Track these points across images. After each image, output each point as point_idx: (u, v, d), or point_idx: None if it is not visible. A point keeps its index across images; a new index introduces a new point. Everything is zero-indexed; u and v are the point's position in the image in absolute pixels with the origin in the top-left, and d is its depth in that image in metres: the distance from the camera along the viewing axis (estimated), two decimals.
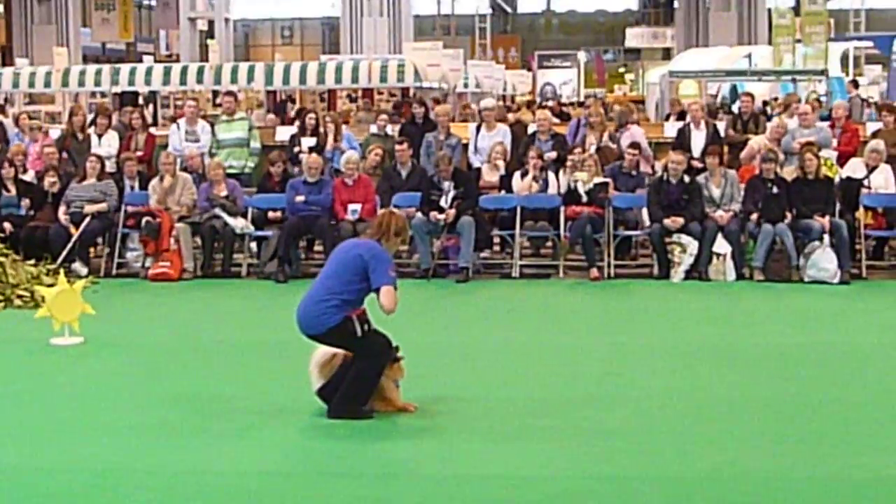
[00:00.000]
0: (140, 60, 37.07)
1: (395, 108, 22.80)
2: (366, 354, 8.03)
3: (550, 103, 35.52)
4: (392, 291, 7.99)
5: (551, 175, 14.91)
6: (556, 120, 19.83)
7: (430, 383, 8.69)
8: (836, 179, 14.64)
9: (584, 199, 14.39)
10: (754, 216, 13.98)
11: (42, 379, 9.53)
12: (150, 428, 7.97)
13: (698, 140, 15.80)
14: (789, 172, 14.53)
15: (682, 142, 15.81)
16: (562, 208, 14.49)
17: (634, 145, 15.29)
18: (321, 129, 16.55)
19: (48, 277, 12.93)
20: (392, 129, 17.21)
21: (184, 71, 22.90)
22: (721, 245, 13.88)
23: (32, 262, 13.52)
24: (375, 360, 8.05)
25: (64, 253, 14.20)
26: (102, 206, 14.73)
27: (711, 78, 30.20)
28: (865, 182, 14.45)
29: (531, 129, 16.97)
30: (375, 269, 8.01)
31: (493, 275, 14.64)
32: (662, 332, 11.28)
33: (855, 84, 28.93)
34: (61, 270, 12.23)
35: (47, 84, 22.97)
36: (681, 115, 22.13)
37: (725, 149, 15.72)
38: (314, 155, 14.96)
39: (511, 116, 21.49)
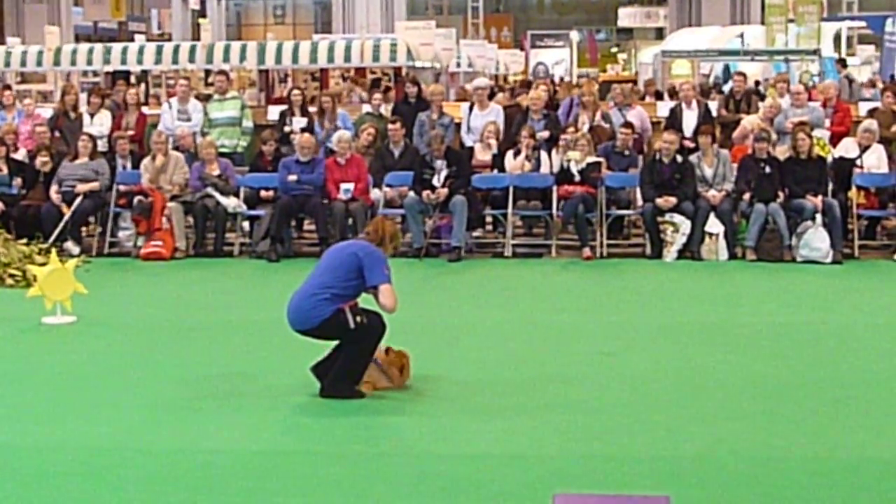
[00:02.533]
0: (132, 39, 36.88)
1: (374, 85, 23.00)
2: (359, 340, 8.06)
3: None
4: (391, 290, 8.04)
5: (544, 154, 14.90)
6: None
7: (421, 362, 8.68)
8: (829, 159, 14.65)
9: (577, 178, 14.39)
10: (747, 196, 13.99)
11: (34, 358, 9.53)
12: (142, 407, 7.98)
13: (690, 120, 15.79)
14: (782, 152, 14.54)
15: (673, 122, 15.80)
16: (554, 188, 14.49)
17: (628, 125, 15.28)
18: (312, 108, 16.53)
19: (40, 256, 12.89)
20: (385, 109, 17.17)
21: (176, 50, 22.79)
22: (713, 225, 13.90)
23: (24, 241, 13.50)
24: (368, 340, 8.07)
25: (56, 232, 14.19)
26: (94, 185, 14.71)
27: (704, 58, 30.16)
28: (858, 162, 14.45)
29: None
30: (371, 268, 8.05)
31: (485, 254, 14.65)
32: (654, 311, 11.30)
33: (843, 64, 28.88)
34: (53, 249, 12.21)
35: (39, 63, 22.86)
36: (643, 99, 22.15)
37: (718, 128, 15.73)
38: (306, 134, 14.95)
39: (502, 96, 21.41)
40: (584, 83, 21.10)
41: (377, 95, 17.49)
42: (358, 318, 8.03)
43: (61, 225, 14.30)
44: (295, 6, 63.87)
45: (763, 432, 7.33)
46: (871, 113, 16.08)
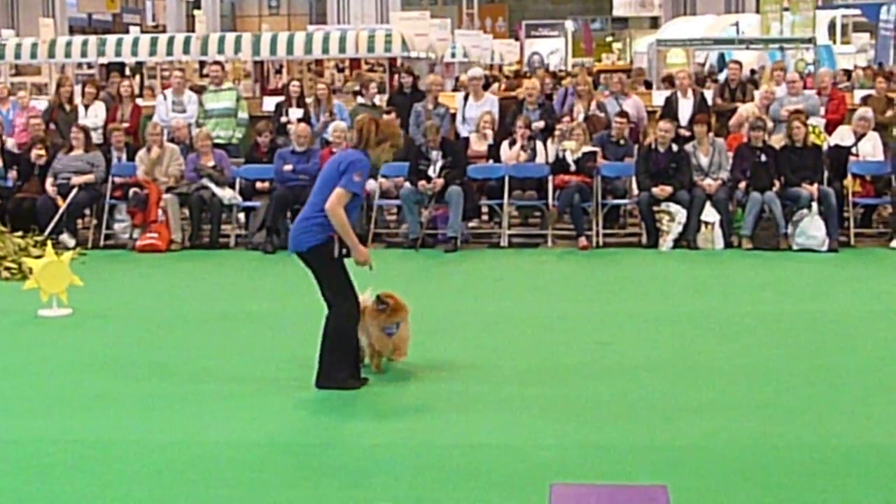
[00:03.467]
0: (126, 31, 36.80)
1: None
2: (335, 296, 7.96)
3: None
4: (341, 194, 7.82)
5: (539, 144, 14.89)
6: None
7: (418, 353, 8.69)
8: (824, 147, 14.65)
9: (573, 168, 14.39)
10: (742, 184, 13.99)
11: (30, 351, 9.52)
12: (138, 399, 7.98)
13: (685, 109, 15.78)
14: (777, 140, 14.53)
15: (669, 110, 15.79)
16: (550, 177, 14.49)
17: (623, 114, 15.28)
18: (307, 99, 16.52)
19: (36, 249, 12.90)
20: (380, 99, 17.15)
21: (170, 42, 22.72)
22: (709, 213, 13.90)
23: (20, 233, 13.52)
24: (344, 322, 8.01)
25: (51, 224, 14.19)
26: (90, 178, 14.69)
27: (699, 46, 30.08)
28: (853, 150, 14.46)
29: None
30: (345, 174, 7.87)
31: (481, 244, 14.65)
32: (651, 300, 11.29)
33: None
34: (49, 242, 12.19)
35: (33, 55, 22.79)
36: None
37: (713, 117, 15.72)
38: (302, 124, 14.94)
39: (496, 87, 21.42)
40: (579, 72, 21.10)
41: (372, 86, 17.45)
42: (343, 251, 7.95)
43: (57, 217, 14.29)
44: None
45: (760, 420, 7.34)
46: (865, 100, 16.08)
